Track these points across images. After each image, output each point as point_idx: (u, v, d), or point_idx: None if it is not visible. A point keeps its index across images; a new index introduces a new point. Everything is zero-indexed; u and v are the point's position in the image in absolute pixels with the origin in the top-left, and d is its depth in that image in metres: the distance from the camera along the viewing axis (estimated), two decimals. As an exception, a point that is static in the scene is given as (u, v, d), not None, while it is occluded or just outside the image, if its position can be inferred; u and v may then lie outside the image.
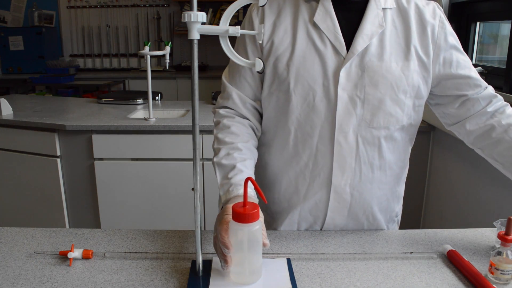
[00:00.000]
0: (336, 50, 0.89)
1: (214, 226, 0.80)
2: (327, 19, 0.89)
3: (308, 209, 0.97)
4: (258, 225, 0.74)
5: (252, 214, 0.72)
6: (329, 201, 0.95)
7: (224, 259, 0.76)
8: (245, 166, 0.90)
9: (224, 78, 1.01)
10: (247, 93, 0.98)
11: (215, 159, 0.94)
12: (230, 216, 0.75)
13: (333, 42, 0.88)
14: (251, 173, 0.91)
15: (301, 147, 0.94)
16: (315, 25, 0.90)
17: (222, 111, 1.00)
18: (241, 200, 0.76)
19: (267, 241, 0.78)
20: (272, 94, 0.94)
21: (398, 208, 1.08)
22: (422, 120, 2.28)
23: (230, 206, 0.77)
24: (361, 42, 0.87)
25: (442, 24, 0.92)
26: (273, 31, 0.92)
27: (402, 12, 0.91)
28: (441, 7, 0.95)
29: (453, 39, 0.94)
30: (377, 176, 0.95)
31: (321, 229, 1.00)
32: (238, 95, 0.98)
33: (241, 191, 0.83)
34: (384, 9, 0.90)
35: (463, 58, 0.96)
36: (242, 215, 0.72)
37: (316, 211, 0.97)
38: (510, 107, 0.96)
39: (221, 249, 0.76)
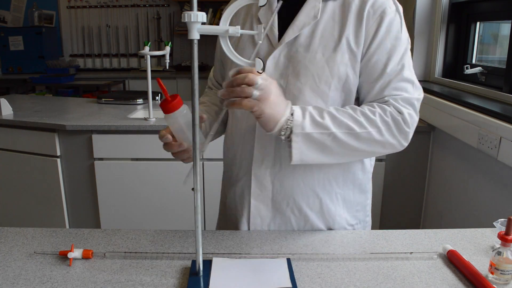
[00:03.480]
0: (270, 41, 0.93)
1: None
2: (269, 14, 0.95)
3: (237, 195, 1.01)
4: (186, 109, 0.83)
5: (176, 101, 0.80)
6: (251, 187, 0.97)
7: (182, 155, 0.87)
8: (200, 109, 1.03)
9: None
10: (217, 77, 1.13)
11: None
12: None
13: (268, 34, 0.93)
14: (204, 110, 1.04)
15: (234, 133, 1.01)
16: (258, 20, 0.96)
17: (206, 89, 1.17)
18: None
19: (204, 115, 0.90)
20: (220, 84, 1.08)
21: (350, 215, 1.02)
22: (422, 120, 2.27)
23: None
24: (290, 32, 0.91)
25: (381, 17, 0.88)
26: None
27: (346, 5, 0.90)
28: (396, 2, 0.92)
29: (385, 35, 0.89)
30: (300, 169, 0.94)
31: (248, 223, 1.00)
32: (210, 77, 1.15)
33: None
34: (326, 1, 0.91)
35: (383, 62, 0.90)
36: (171, 105, 0.80)
37: (242, 199, 1.00)
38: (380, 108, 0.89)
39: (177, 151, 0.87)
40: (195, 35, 0.69)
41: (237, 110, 0.99)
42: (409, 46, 0.93)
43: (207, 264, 0.82)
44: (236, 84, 0.80)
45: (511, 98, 1.60)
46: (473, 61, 2.09)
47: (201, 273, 0.79)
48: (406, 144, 0.91)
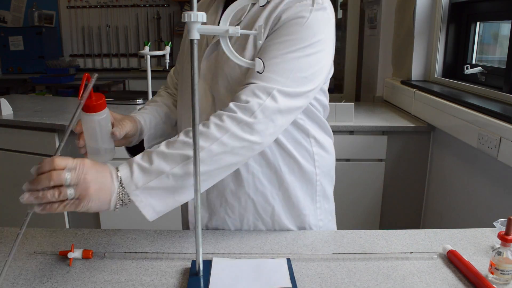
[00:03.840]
0: (207, 43, 0.93)
1: None
2: (213, 14, 0.95)
3: None
4: (105, 113, 0.81)
5: (101, 102, 0.79)
6: None
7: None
8: (145, 108, 1.02)
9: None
10: (177, 76, 1.10)
11: None
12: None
13: (207, 36, 0.93)
14: (148, 112, 1.02)
15: (178, 132, 1.01)
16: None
17: (160, 88, 1.16)
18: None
19: (117, 132, 0.86)
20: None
21: (293, 218, 0.99)
22: (422, 120, 2.27)
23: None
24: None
25: (288, 9, 0.83)
26: (186, 28, 1.01)
27: (270, 6, 0.87)
28: (321, 1, 0.86)
29: (282, 24, 0.84)
30: None
31: (187, 223, 1.01)
32: (170, 75, 1.13)
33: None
34: (254, 4, 0.88)
35: (265, 49, 0.84)
36: (93, 105, 0.78)
37: None
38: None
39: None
40: (195, 35, 0.69)
41: (179, 110, 1.00)
42: (316, 47, 0.85)
43: (207, 264, 0.82)
44: (42, 188, 0.68)
45: (511, 98, 1.60)
46: (473, 61, 2.09)
47: (201, 273, 0.78)
48: (259, 139, 0.80)
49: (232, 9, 0.70)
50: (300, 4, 0.85)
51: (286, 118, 0.84)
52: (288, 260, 0.84)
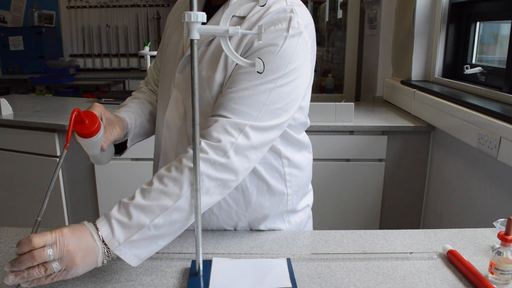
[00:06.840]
0: (182, 52, 0.92)
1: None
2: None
3: None
4: (100, 134, 0.84)
5: (94, 130, 0.82)
6: None
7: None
8: (128, 106, 1.02)
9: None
10: (157, 72, 1.09)
11: None
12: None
13: (184, 44, 0.92)
14: (130, 111, 1.01)
15: (155, 135, 1.02)
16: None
17: (140, 83, 1.15)
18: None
19: (104, 145, 0.87)
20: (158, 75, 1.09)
21: (260, 215, 0.96)
22: (422, 120, 2.26)
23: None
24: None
25: (258, 34, 0.73)
26: (167, 27, 1.01)
27: (247, 20, 0.83)
28: (297, 26, 0.81)
29: (254, 51, 0.81)
30: None
31: None
32: (151, 69, 1.11)
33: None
34: (233, 16, 0.83)
35: (236, 78, 0.81)
36: (87, 134, 0.82)
37: None
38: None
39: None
40: (195, 35, 0.69)
41: (157, 114, 0.99)
42: (291, 76, 0.81)
43: (207, 264, 0.82)
44: (26, 267, 0.68)
45: (511, 98, 1.60)
46: (473, 61, 2.09)
47: (201, 273, 0.79)
48: (233, 177, 0.79)
49: (232, 9, 0.70)
50: (274, 29, 0.80)
51: (261, 152, 0.82)
52: (288, 260, 0.84)
